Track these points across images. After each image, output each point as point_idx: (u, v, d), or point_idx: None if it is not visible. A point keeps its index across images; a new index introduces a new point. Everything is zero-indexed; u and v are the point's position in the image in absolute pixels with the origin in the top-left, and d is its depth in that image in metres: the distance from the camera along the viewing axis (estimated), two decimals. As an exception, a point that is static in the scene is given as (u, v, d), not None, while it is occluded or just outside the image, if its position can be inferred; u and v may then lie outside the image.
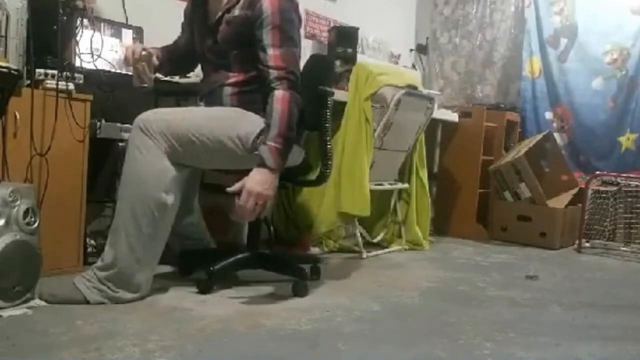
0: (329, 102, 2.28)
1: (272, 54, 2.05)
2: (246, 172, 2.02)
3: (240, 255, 2.24)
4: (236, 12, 2.09)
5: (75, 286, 1.91)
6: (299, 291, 2.15)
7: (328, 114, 2.29)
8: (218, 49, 2.16)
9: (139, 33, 2.66)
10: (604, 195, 3.80)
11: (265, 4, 2.05)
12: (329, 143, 2.30)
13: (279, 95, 2.02)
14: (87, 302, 1.89)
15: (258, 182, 1.94)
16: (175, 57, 2.35)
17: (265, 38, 2.05)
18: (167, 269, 2.32)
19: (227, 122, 2.07)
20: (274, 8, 2.05)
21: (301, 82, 2.10)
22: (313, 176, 2.37)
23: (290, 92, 2.03)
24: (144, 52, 2.17)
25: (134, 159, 1.95)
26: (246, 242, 2.37)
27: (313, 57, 2.43)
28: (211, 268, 2.11)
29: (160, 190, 1.93)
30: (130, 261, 1.92)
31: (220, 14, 2.14)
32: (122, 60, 2.23)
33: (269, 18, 2.05)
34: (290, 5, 2.11)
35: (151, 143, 1.94)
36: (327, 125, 2.30)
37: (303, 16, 3.72)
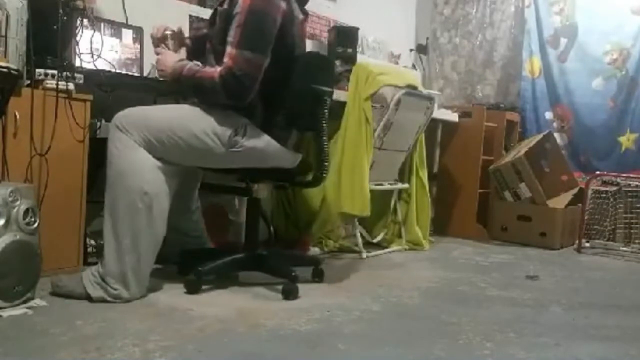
0: (325, 102, 2.22)
1: (228, 51, 2.01)
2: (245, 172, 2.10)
3: (229, 258, 2.24)
4: (225, 5, 2.09)
5: (81, 280, 1.94)
6: (289, 294, 2.11)
7: (324, 114, 2.23)
8: (211, 42, 2.17)
9: (139, 33, 2.66)
10: (604, 195, 3.80)
11: (240, 1, 2.01)
12: (325, 144, 2.27)
13: (211, 69, 2.03)
14: (89, 297, 1.91)
15: (167, 59, 2.12)
16: (194, 43, 2.35)
17: (230, 34, 2.02)
18: (167, 269, 2.32)
19: (201, 116, 2.07)
20: (245, 6, 1.99)
21: (293, 81, 2.09)
22: (310, 177, 2.36)
23: (219, 79, 1.98)
24: (168, 32, 2.19)
25: (112, 155, 1.99)
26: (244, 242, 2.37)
27: (306, 55, 2.29)
28: (199, 269, 2.11)
29: (140, 180, 1.96)
30: (123, 257, 1.93)
31: (215, 6, 2.16)
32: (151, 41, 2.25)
33: (238, 15, 2.01)
34: (265, 6, 2.02)
35: (125, 137, 1.98)
36: (324, 125, 2.26)
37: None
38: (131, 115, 2.03)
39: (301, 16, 2.20)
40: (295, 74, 2.13)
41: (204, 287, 2.16)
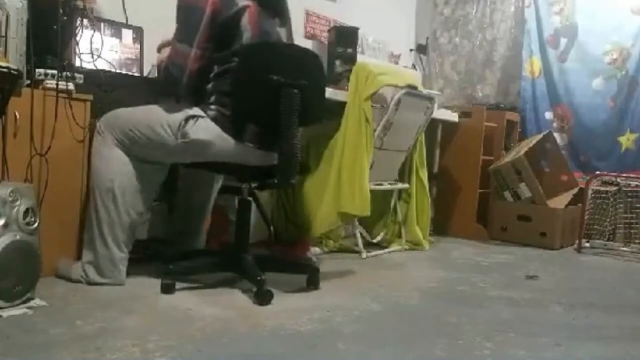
0: (288, 94, 2.04)
1: None
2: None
3: (201, 259, 2.28)
4: None
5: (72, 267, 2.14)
6: (259, 299, 2.03)
7: (287, 107, 2.05)
8: None
9: (138, 33, 2.66)
10: (604, 195, 3.80)
11: None
12: (291, 143, 2.09)
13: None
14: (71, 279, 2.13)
15: (164, 53, 2.20)
16: None
17: None
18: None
19: (160, 111, 2.13)
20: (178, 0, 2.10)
21: (246, 71, 2.05)
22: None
23: (161, 68, 2.14)
24: None
25: (93, 156, 2.16)
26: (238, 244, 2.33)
27: (257, 44, 2.12)
28: (170, 267, 2.12)
29: (107, 177, 2.11)
30: (94, 245, 2.11)
31: None
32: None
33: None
34: None
35: (100, 138, 2.15)
36: (287, 121, 2.06)
37: (302, 16, 3.73)
38: (107, 116, 2.18)
39: (245, 3, 2.10)
40: (241, 64, 2.05)
41: (204, 287, 2.18)
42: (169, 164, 2.27)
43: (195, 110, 2.08)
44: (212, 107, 2.08)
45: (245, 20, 2.09)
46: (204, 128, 2.06)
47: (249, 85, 2.06)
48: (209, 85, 2.10)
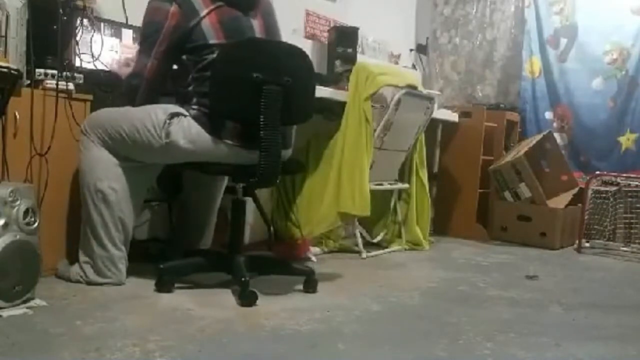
0: (265, 92, 2.01)
1: None
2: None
3: (191, 259, 2.29)
4: None
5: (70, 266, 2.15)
6: (243, 300, 2.01)
7: (266, 103, 2.01)
8: None
9: (138, 33, 2.65)
10: (604, 195, 3.80)
11: None
12: (268, 140, 2.04)
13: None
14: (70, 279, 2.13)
15: None
16: None
17: None
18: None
19: (144, 112, 2.12)
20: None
21: (224, 69, 2.03)
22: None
23: (125, 86, 2.22)
24: None
25: (79, 158, 2.15)
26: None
27: (241, 41, 2.11)
28: (160, 266, 2.12)
29: (96, 177, 2.10)
30: (91, 246, 2.11)
31: None
32: None
33: None
34: (149, 14, 2.13)
35: (87, 139, 2.13)
36: (268, 119, 2.03)
37: (302, 16, 3.73)
38: (91, 116, 2.19)
39: (210, 8, 2.07)
40: (220, 61, 2.04)
41: (204, 287, 2.18)
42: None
43: (178, 108, 2.09)
44: (194, 107, 2.08)
45: (207, 26, 2.06)
46: (186, 128, 2.05)
47: (227, 83, 2.03)
48: (189, 89, 2.11)
